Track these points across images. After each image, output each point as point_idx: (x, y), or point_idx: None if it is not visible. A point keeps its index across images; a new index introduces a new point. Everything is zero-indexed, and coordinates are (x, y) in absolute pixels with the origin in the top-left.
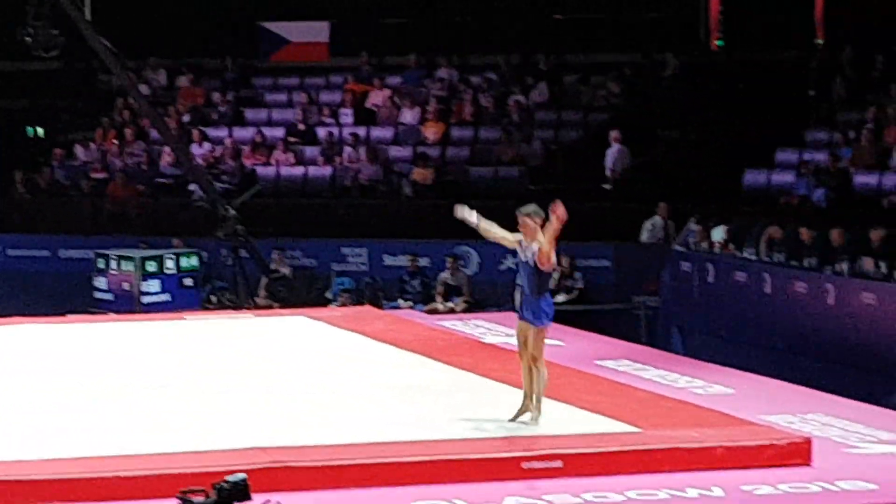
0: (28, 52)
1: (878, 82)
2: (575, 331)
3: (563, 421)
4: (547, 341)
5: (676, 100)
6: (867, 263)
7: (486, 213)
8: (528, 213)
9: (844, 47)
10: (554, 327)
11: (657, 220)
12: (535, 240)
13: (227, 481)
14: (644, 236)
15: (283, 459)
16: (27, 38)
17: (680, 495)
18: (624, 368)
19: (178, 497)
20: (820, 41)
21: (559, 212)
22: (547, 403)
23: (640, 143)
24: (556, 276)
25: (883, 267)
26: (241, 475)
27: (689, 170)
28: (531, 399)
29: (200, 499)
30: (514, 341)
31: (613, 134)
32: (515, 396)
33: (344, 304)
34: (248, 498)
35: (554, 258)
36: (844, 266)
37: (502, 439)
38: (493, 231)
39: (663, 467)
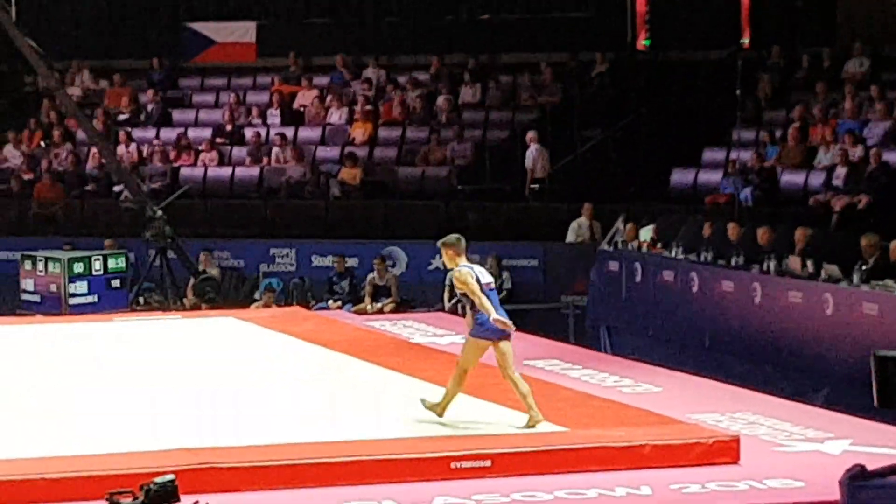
0: None
1: (804, 82)
2: None
3: (491, 420)
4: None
5: (604, 99)
6: (793, 262)
7: (413, 212)
8: (444, 244)
9: (770, 47)
10: None
11: (582, 220)
12: (456, 265)
13: (155, 482)
14: (570, 237)
15: (212, 460)
16: None
17: (609, 494)
18: (552, 368)
19: (106, 499)
20: (746, 40)
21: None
22: (475, 403)
23: (567, 142)
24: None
25: (809, 266)
26: (170, 476)
27: (616, 169)
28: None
29: (128, 500)
30: (441, 341)
31: (530, 134)
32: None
33: (267, 304)
34: (177, 499)
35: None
36: (771, 265)
37: (431, 439)
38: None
39: (591, 466)
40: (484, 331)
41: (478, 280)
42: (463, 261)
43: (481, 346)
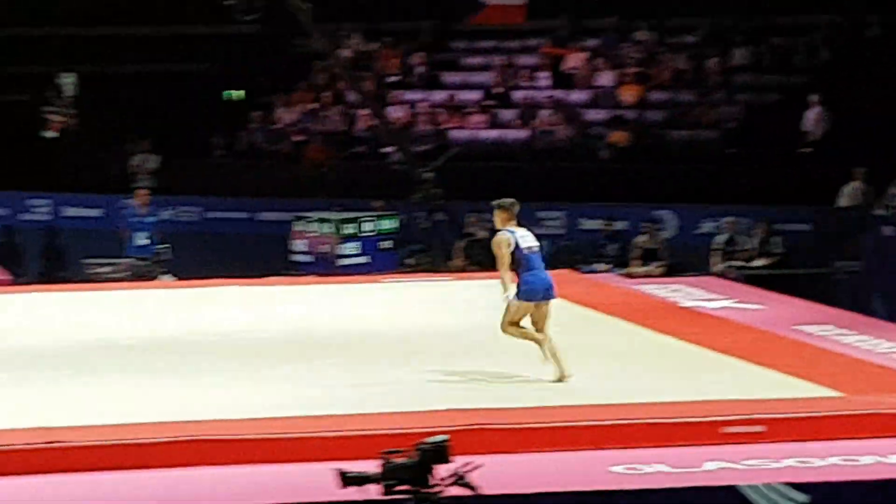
0: (227, 16)
1: None
2: (775, 295)
3: (761, 385)
4: (745, 305)
5: (879, 62)
6: None
7: (682, 176)
8: (499, 206)
9: None
10: (753, 292)
11: (856, 184)
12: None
13: (429, 442)
14: (843, 201)
15: (483, 421)
16: (229, 2)
17: (884, 461)
18: (825, 333)
19: (380, 457)
20: None
21: None
22: (745, 367)
23: (840, 105)
24: (756, 239)
25: None
26: (443, 436)
27: (890, 132)
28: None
29: (402, 459)
30: (710, 305)
31: (812, 97)
32: (714, 361)
33: None
34: (447, 460)
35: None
36: None
37: (702, 403)
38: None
39: (866, 433)
40: (525, 293)
41: (517, 245)
42: (511, 225)
43: (524, 307)
